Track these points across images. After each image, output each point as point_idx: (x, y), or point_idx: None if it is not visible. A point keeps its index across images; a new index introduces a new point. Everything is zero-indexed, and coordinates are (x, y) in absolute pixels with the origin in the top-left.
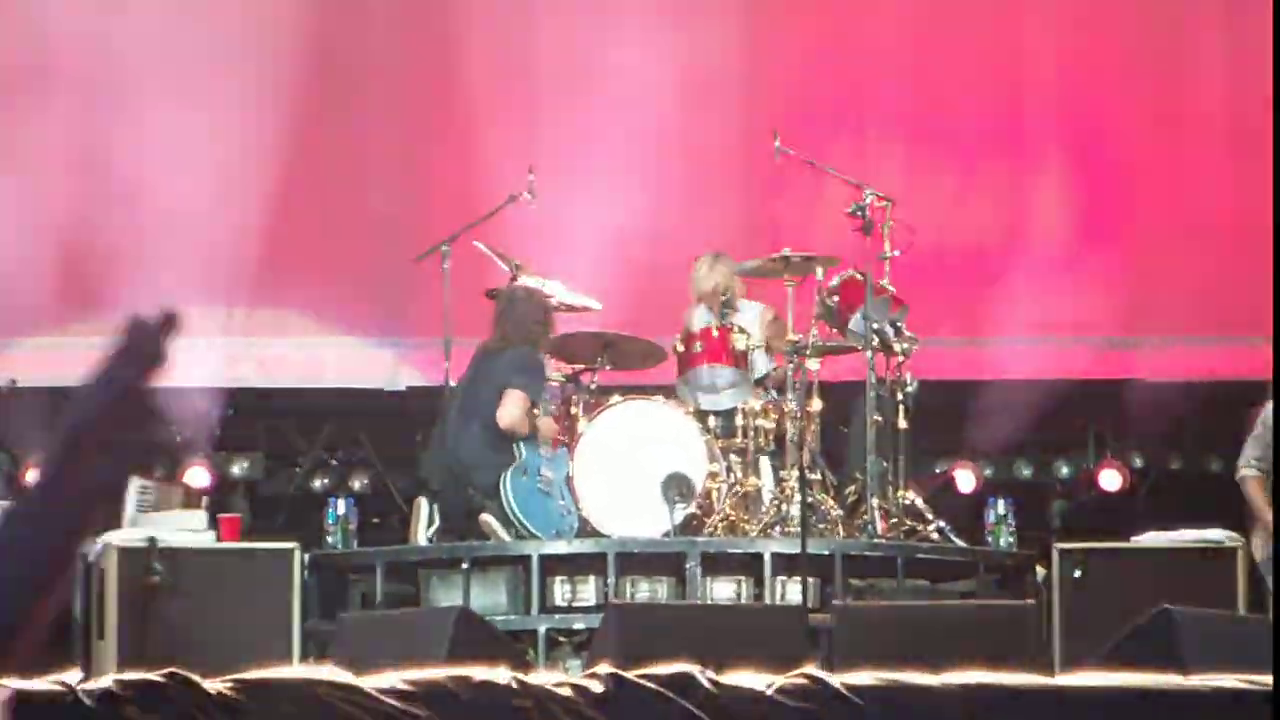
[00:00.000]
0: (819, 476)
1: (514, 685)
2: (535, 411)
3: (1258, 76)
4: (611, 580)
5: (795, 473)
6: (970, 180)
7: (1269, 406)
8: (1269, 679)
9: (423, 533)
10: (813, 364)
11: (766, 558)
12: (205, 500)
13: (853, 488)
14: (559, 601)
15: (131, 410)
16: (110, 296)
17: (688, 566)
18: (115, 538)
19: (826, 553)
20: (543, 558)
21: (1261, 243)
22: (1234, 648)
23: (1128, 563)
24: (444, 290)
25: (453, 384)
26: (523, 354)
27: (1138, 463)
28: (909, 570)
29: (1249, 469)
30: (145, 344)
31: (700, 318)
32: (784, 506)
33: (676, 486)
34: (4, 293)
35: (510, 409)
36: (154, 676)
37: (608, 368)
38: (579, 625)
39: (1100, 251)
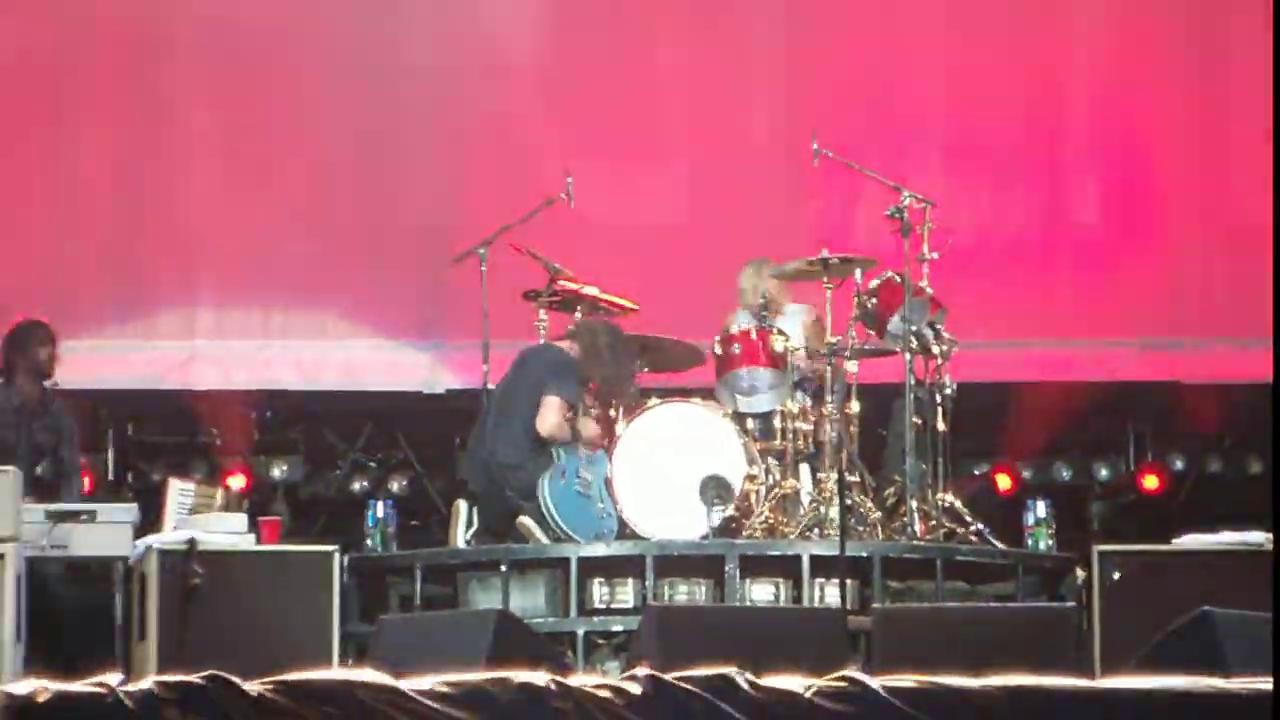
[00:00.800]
0: (857, 479)
1: (553, 688)
2: (572, 415)
3: None
4: (650, 582)
5: (834, 475)
6: (1009, 182)
7: None
8: None
9: (461, 535)
10: (851, 366)
11: (805, 560)
12: (245, 503)
13: (891, 490)
14: (597, 604)
15: None
16: (150, 300)
17: (726, 569)
18: (156, 540)
19: (865, 555)
20: (581, 560)
21: None
22: (1274, 650)
23: (1168, 565)
24: (482, 293)
25: (491, 386)
26: (555, 357)
27: (1178, 465)
28: (948, 573)
29: None
30: None
31: (742, 321)
32: (822, 509)
33: (715, 489)
34: (46, 293)
35: (548, 416)
36: (194, 678)
37: (646, 370)
38: (617, 627)
39: (1140, 253)
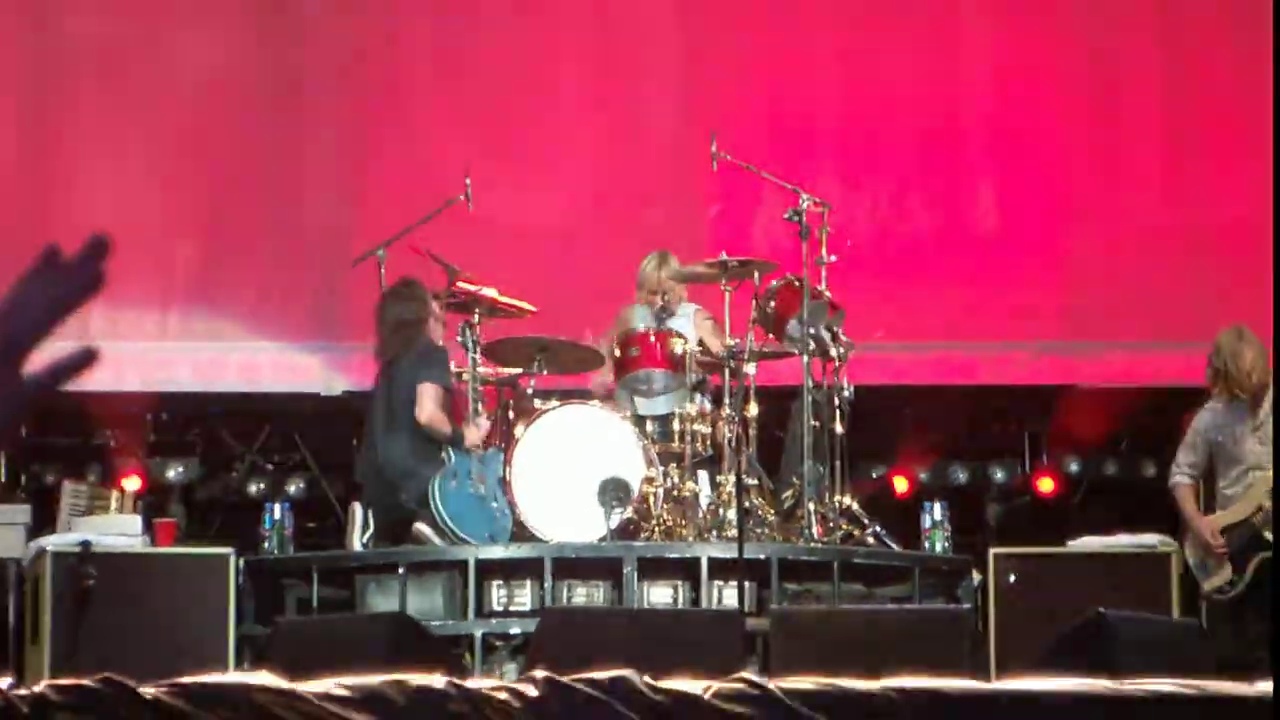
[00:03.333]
0: (756, 481)
1: (450, 690)
2: (455, 412)
3: (1191, 76)
4: (548, 585)
5: (732, 477)
6: (906, 185)
7: (1201, 414)
8: (1201, 682)
9: (358, 538)
10: (750, 368)
11: (703, 562)
12: (140, 504)
13: (789, 492)
14: (495, 606)
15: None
16: None
17: (625, 571)
18: (49, 542)
19: (763, 557)
20: (479, 562)
21: (1197, 249)
22: (1168, 651)
23: (1063, 567)
24: (380, 294)
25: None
26: (422, 349)
27: (1073, 468)
28: (845, 575)
29: (1180, 476)
30: (79, 266)
31: (639, 317)
32: (721, 511)
33: (613, 491)
34: None
35: (425, 404)
36: (88, 682)
37: (544, 372)
38: (515, 630)
39: (1036, 256)
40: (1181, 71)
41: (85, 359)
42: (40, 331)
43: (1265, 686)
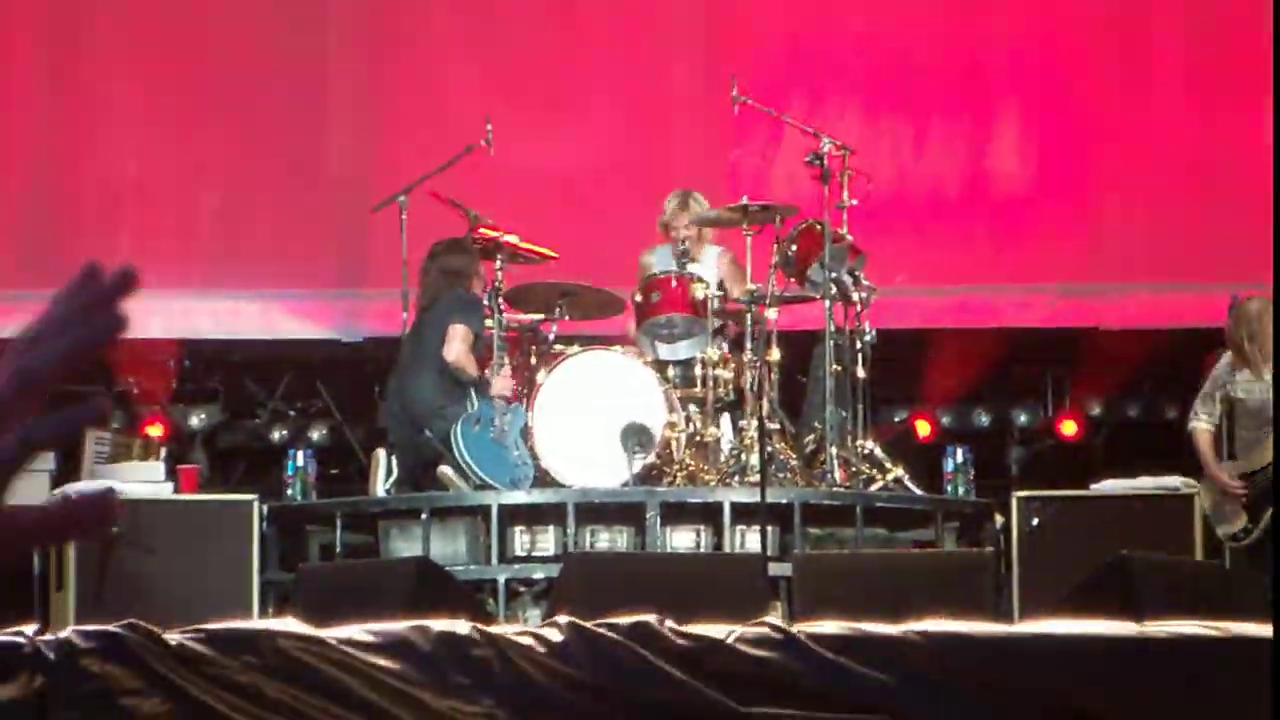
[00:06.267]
0: (778, 426)
1: (474, 635)
2: (476, 350)
3: (1216, 16)
4: (571, 530)
5: (754, 422)
6: (928, 128)
7: (1220, 365)
8: (1226, 624)
9: (381, 484)
10: (771, 313)
11: (726, 507)
12: (163, 452)
13: (811, 437)
14: (518, 551)
15: (80, 370)
16: (68, 250)
17: (647, 516)
18: (73, 489)
19: (785, 502)
20: (502, 508)
21: (1218, 190)
22: (1191, 594)
23: (1085, 510)
24: (402, 241)
25: (406, 334)
26: (457, 294)
27: (1095, 411)
28: (868, 519)
29: (1198, 421)
30: (103, 303)
31: (661, 260)
32: (743, 456)
33: (635, 436)
34: None
35: (453, 344)
36: (113, 628)
37: (566, 318)
38: (538, 575)
39: (1058, 199)
40: (1207, 11)
41: (97, 415)
42: (60, 367)
43: None
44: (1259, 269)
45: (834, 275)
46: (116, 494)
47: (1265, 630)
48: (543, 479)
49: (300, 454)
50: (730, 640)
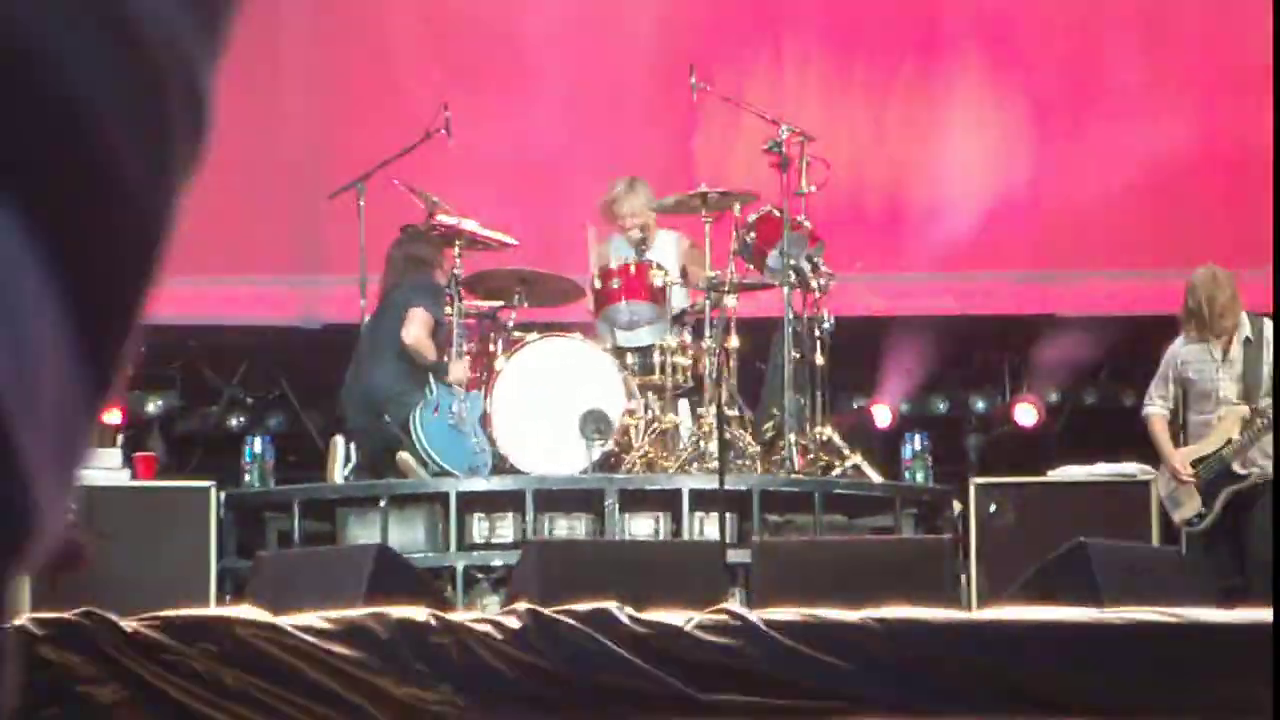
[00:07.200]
0: (736, 413)
1: (433, 622)
2: (440, 341)
3: (1167, 18)
4: (529, 517)
5: (713, 409)
6: (886, 115)
7: (1173, 347)
8: (1180, 610)
9: (340, 471)
10: (730, 300)
11: (684, 494)
12: (120, 438)
13: (770, 424)
14: (477, 539)
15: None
16: None
17: (606, 503)
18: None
19: (744, 489)
20: (460, 495)
21: (1176, 176)
22: (1148, 579)
23: (1043, 497)
24: (360, 228)
25: (367, 320)
26: (418, 280)
27: (1052, 397)
28: (827, 506)
29: (1152, 407)
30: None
31: (617, 250)
32: (702, 443)
33: (594, 423)
34: None
35: (412, 326)
36: (70, 615)
37: (525, 305)
38: (497, 562)
39: (1015, 186)
40: (1158, 6)
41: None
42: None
43: (1241, 614)
44: (1216, 256)
45: (793, 262)
46: (83, 537)
47: (1220, 615)
48: (501, 466)
49: (258, 441)
50: (689, 627)
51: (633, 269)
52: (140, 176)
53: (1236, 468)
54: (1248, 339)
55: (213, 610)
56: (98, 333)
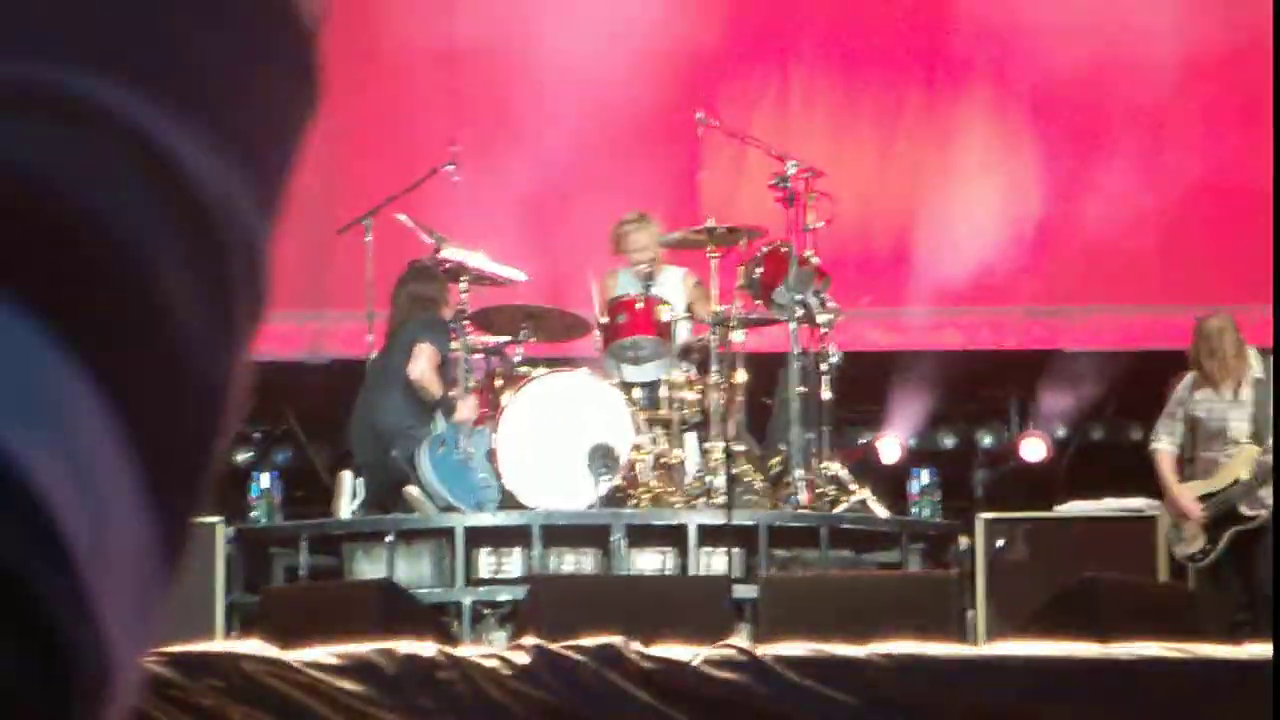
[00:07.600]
0: (743, 448)
1: (439, 658)
2: (442, 370)
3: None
4: (536, 552)
5: (720, 444)
6: (892, 150)
7: (1183, 385)
8: (1189, 645)
9: (346, 506)
10: (737, 336)
11: (691, 529)
12: None
13: (777, 459)
14: (484, 574)
15: None
16: None
17: (613, 538)
18: None
19: (751, 524)
20: (468, 530)
21: (1182, 212)
22: (1155, 615)
23: (1050, 532)
24: (367, 263)
25: (374, 356)
26: (425, 317)
27: (1060, 433)
28: (833, 541)
29: (1160, 443)
30: None
31: (624, 284)
32: (708, 478)
33: (601, 458)
34: None
35: (419, 362)
36: None
37: (532, 340)
38: (504, 597)
39: (1022, 221)
40: (1163, 45)
41: None
42: None
43: (1250, 649)
44: (1221, 291)
45: (799, 297)
46: None
47: (1227, 651)
48: (508, 501)
49: (265, 476)
50: (696, 662)
51: (640, 304)
52: (203, 337)
53: (1244, 509)
54: (1258, 379)
55: (220, 646)
56: (163, 490)
